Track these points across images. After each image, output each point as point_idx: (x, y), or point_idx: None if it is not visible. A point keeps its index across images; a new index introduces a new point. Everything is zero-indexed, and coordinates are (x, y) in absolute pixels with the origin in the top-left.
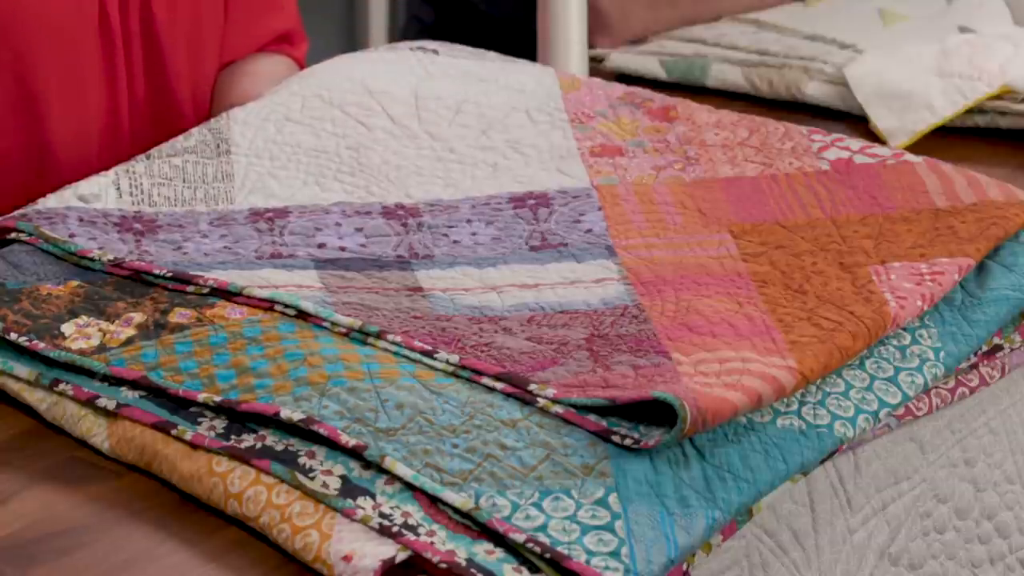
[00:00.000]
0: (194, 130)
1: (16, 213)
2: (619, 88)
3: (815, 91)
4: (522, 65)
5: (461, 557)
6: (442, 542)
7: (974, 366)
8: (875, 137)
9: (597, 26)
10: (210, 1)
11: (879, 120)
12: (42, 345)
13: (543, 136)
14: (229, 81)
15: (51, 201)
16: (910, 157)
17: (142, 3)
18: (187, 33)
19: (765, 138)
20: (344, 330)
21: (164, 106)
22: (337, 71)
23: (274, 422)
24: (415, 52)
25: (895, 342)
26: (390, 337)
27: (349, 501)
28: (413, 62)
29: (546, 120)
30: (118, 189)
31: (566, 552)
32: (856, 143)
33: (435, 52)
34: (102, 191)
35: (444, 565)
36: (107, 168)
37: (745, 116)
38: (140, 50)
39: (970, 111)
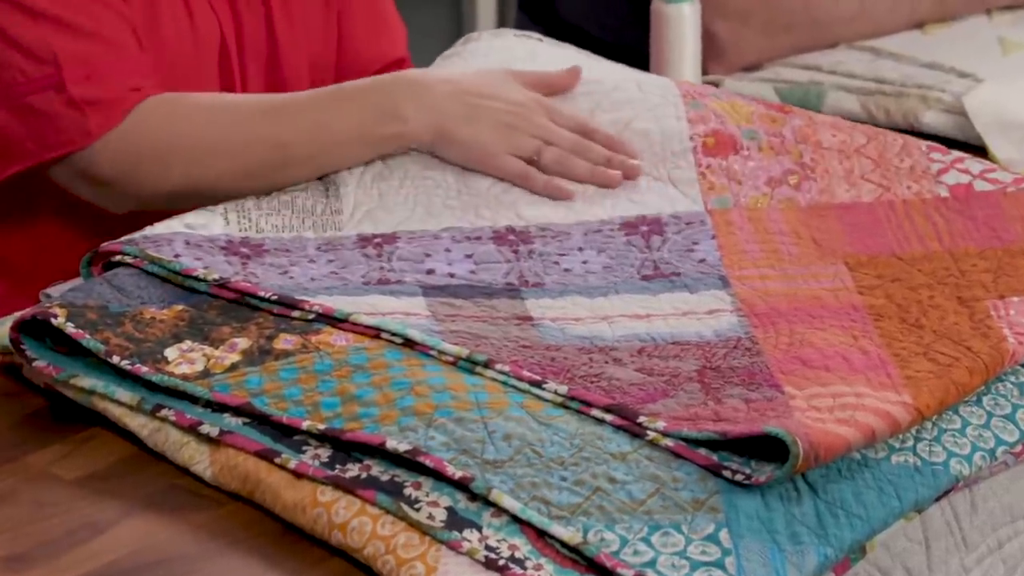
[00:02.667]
0: None
1: (123, 238)
2: (732, 94)
3: (933, 120)
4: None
5: None
6: None
7: None
8: None
9: (711, 52)
10: (324, 22)
11: (998, 150)
12: (145, 369)
13: (652, 114)
14: None
15: (158, 228)
16: None
17: (268, 30)
18: (310, 55)
19: (883, 149)
20: (451, 359)
21: None
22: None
23: (380, 452)
24: (519, 38)
25: (1013, 378)
26: (498, 367)
27: (455, 533)
28: (518, 47)
29: (657, 92)
30: (226, 219)
31: None
32: (976, 165)
33: (539, 40)
34: (209, 220)
35: None
36: None
37: (861, 125)
38: (263, 75)
39: None
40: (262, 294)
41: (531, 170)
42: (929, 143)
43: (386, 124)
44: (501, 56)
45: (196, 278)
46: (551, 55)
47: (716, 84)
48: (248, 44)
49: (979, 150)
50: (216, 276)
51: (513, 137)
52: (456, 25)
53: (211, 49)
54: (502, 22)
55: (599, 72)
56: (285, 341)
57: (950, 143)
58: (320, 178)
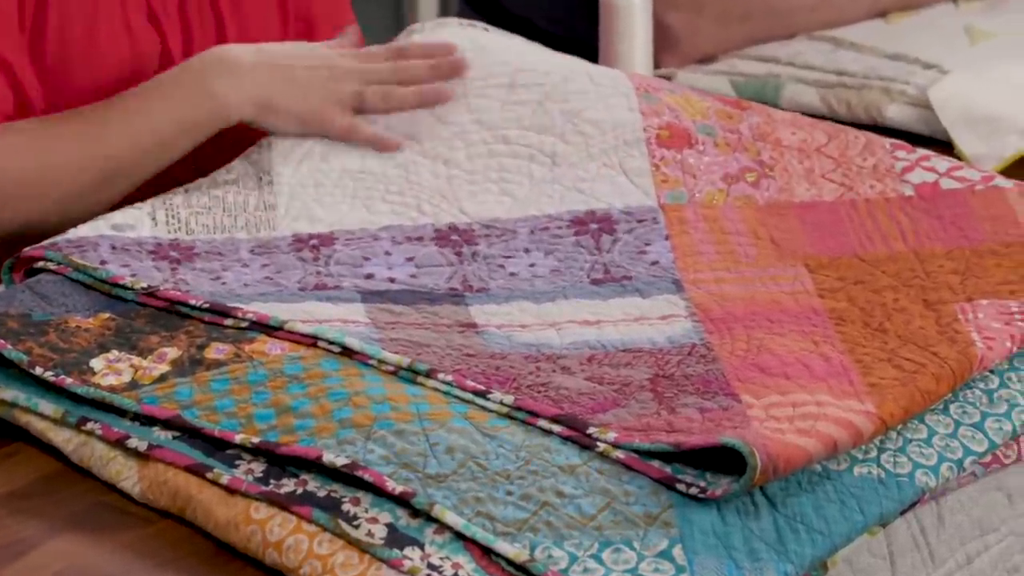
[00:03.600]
0: (235, 163)
1: (45, 242)
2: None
3: (896, 114)
4: None
5: None
6: None
7: None
8: None
9: (663, 44)
10: (281, 31)
11: (965, 146)
12: (69, 381)
13: (604, 103)
14: None
15: (82, 230)
16: (1001, 182)
17: (219, 42)
18: None
19: (844, 148)
20: (392, 368)
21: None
22: None
23: (316, 466)
24: (464, 27)
25: (982, 385)
26: (441, 376)
27: (396, 551)
28: (462, 37)
29: (609, 84)
30: (154, 219)
31: None
32: (943, 163)
33: (484, 29)
34: (136, 221)
35: None
36: None
37: (821, 121)
38: None
39: None
40: (193, 302)
41: (356, 123)
42: (893, 141)
43: (203, 107)
44: None
45: (123, 286)
46: (498, 44)
47: (669, 77)
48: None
49: (945, 145)
50: (144, 284)
51: (332, 88)
52: (397, 18)
53: (151, 66)
54: (444, 13)
55: (548, 64)
56: (217, 350)
57: (914, 138)
58: (252, 166)
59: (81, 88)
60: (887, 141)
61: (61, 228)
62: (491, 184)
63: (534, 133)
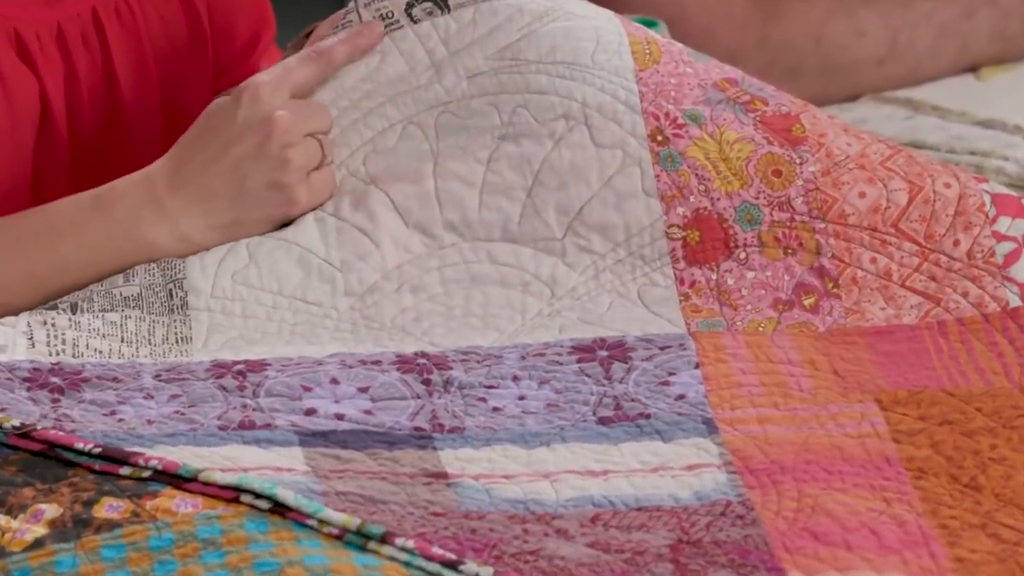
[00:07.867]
0: (139, 267)
1: None
2: (714, 69)
3: None
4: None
5: None
6: None
7: None
8: None
9: None
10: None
11: None
12: None
13: (613, 191)
14: None
15: None
16: None
17: (105, 72)
18: (165, 85)
19: (929, 218)
20: (337, 531)
21: None
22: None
23: None
24: (421, 24)
25: None
26: (399, 542)
27: None
28: (420, 55)
29: (616, 143)
30: (30, 339)
31: None
32: None
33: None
34: (8, 341)
35: None
36: None
37: (899, 153)
38: (101, 123)
39: None
40: (80, 445)
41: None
42: (995, 192)
43: (137, 255)
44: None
45: None
46: (461, 50)
47: None
48: (87, 93)
49: None
50: (15, 422)
51: (283, 183)
52: None
53: (28, 112)
54: None
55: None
56: (109, 508)
57: None
58: (161, 272)
59: None
60: (985, 193)
61: None
62: (473, 318)
63: (528, 249)
